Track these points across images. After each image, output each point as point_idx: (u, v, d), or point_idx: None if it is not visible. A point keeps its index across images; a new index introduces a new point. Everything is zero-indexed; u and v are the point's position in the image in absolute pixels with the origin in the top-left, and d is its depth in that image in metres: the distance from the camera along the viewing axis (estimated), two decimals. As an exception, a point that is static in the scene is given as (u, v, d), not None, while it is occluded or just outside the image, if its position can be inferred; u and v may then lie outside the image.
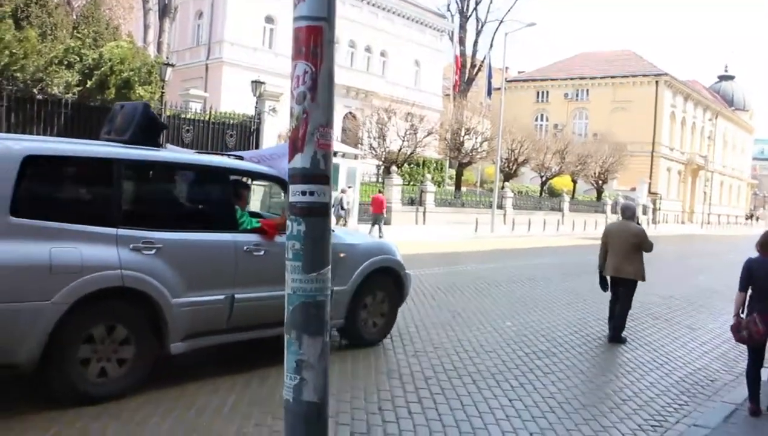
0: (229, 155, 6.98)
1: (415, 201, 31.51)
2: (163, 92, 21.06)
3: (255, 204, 8.54)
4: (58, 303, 4.65)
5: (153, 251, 5.19)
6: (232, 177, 6.36)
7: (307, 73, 2.52)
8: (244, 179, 6.69)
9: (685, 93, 68.59)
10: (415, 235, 24.59)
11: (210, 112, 22.76)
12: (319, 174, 2.58)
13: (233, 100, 29.81)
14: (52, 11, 21.76)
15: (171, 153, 6.17)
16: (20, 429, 4.47)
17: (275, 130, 24.34)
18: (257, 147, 22.11)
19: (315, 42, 2.51)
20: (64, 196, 5.29)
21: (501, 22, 50.36)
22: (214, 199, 6.19)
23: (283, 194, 6.78)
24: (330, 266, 2.66)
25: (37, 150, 4.90)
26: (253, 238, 5.96)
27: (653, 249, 8.38)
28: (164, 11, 34.14)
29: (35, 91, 17.39)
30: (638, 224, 8.87)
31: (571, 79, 68.08)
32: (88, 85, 18.17)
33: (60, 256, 4.69)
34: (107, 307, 5.03)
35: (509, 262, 18.30)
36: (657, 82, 63.94)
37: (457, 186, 38.62)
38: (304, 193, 2.56)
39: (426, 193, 31.90)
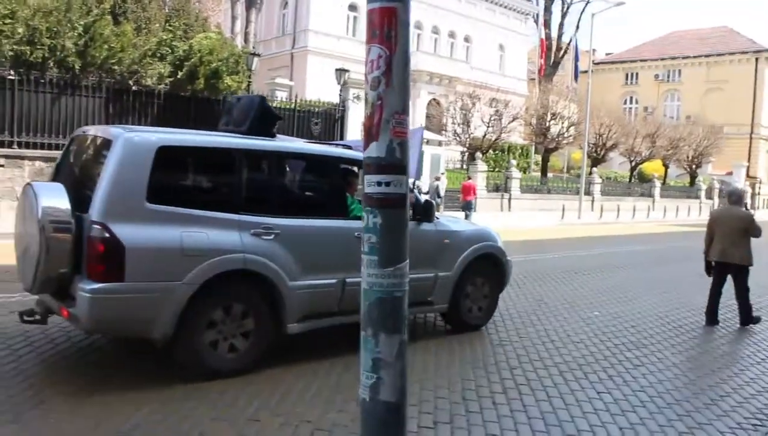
0: (336, 144, 7.26)
1: (500, 188, 31.05)
2: (249, 81, 21.50)
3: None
4: (189, 283, 5.01)
5: (272, 236, 5.47)
6: (342, 165, 6.56)
7: (381, 57, 2.43)
8: (353, 167, 6.82)
9: (790, 69, 64.54)
10: (501, 222, 24.23)
11: (295, 100, 23.09)
12: (396, 163, 2.50)
13: (318, 88, 30.13)
14: (146, 6, 22.55)
15: (286, 143, 6.42)
16: (117, 405, 4.68)
17: (359, 118, 24.44)
18: (342, 135, 22.30)
19: (389, 24, 2.41)
20: (192, 184, 5.73)
21: (587, 2, 48.74)
22: (327, 186, 6.46)
23: None
24: (407, 261, 2.58)
25: (169, 141, 5.27)
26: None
27: (761, 235, 8.14)
28: (250, 2, 34.85)
29: (131, 82, 18.09)
30: (746, 208, 8.67)
31: (662, 59, 65.28)
32: (179, 76, 18.74)
33: (190, 240, 5.06)
34: (231, 288, 5.33)
35: (596, 249, 17.80)
36: (756, 59, 60.43)
37: (543, 172, 37.83)
38: (380, 183, 2.49)
39: (511, 179, 31.38)
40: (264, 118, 6.03)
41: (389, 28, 2.43)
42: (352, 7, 42.15)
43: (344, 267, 5.85)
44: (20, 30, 15.98)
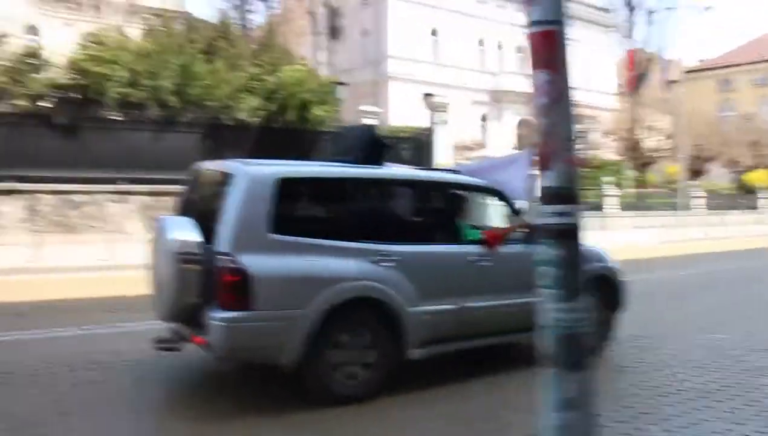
0: (445, 170, 7.40)
1: (595, 206, 30.08)
2: (338, 111, 21.79)
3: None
4: (313, 311, 5.17)
5: (390, 263, 5.55)
6: (452, 190, 6.59)
7: (548, 82, 2.32)
8: (463, 192, 6.86)
9: None
10: (599, 241, 23.47)
11: (383, 127, 23.23)
12: (570, 193, 2.37)
13: (401, 114, 30.31)
14: (235, 43, 23.35)
15: (400, 170, 6.64)
16: (239, 431, 4.85)
17: (446, 141, 24.39)
18: (430, 159, 22.23)
19: (552, 48, 2.32)
20: (311, 213, 5.91)
21: (673, 10, 47.08)
22: (440, 212, 6.49)
23: (496, 205, 7.08)
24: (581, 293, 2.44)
25: (287, 173, 5.49)
26: (477, 249, 6.17)
27: None
28: (333, 32, 35.57)
29: (224, 117, 18.67)
30: None
31: (760, 62, 62.17)
32: (269, 109, 19.21)
33: (312, 268, 5.21)
34: (353, 315, 5.42)
35: (705, 266, 16.95)
36: None
37: (639, 188, 36.53)
38: (556, 214, 2.36)
39: (606, 197, 30.39)
40: (374, 146, 6.16)
41: (552, 51, 2.33)
42: (434, 32, 42.33)
43: (461, 292, 5.96)
44: (123, 74, 16.84)
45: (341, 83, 23.82)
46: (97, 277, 11.75)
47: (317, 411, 5.20)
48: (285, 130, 19.23)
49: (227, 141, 17.69)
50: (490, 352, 6.79)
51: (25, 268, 12.50)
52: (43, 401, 5.47)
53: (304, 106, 19.54)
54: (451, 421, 5.16)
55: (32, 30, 30.99)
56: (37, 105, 16.43)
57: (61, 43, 18.80)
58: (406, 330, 5.60)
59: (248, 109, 18.90)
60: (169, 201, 15.70)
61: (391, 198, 6.39)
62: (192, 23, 26.34)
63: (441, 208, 6.49)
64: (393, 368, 5.67)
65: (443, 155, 23.34)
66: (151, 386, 5.94)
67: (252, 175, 5.29)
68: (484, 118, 45.04)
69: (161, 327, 5.80)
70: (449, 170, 7.38)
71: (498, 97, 44.55)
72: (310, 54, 34.86)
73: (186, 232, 5.15)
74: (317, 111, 19.76)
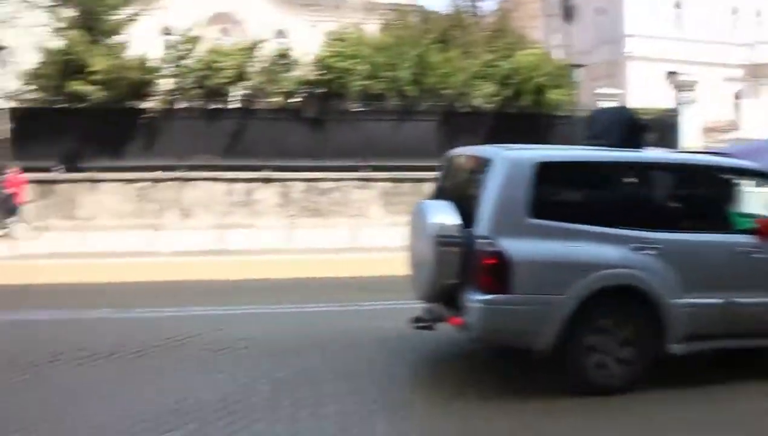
0: (711, 153, 6.92)
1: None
2: (574, 94, 21.01)
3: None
4: (571, 297, 5.04)
5: (652, 251, 5.24)
6: (719, 175, 6.18)
7: None
8: (731, 177, 6.37)
9: None
10: None
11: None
12: None
13: (641, 95, 28.39)
14: (468, 31, 23.47)
15: (661, 154, 6.31)
16: (476, 412, 4.93)
17: (694, 122, 22.51)
18: (676, 142, 20.63)
19: None
20: (570, 198, 5.76)
21: None
22: (704, 198, 6.09)
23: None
24: None
25: (546, 157, 5.50)
26: (748, 239, 5.60)
27: None
28: (566, 14, 34.31)
29: (459, 104, 18.86)
30: None
31: None
32: (504, 95, 19.03)
33: (572, 254, 5.11)
34: (611, 303, 5.23)
35: None
36: None
37: None
38: None
39: None
40: (631, 128, 5.90)
41: None
42: (677, 4, 39.13)
43: (730, 285, 5.42)
44: (364, 67, 17.73)
45: (577, 65, 22.97)
46: (342, 258, 12.41)
47: (557, 400, 5.10)
48: (520, 116, 18.97)
49: (463, 128, 17.85)
50: (760, 354, 6.05)
51: (279, 248, 13.59)
52: (302, 366, 5.95)
53: (540, 90, 19.15)
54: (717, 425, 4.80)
55: (281, 33, 33.80)
56: (288, 101, 17.89)
57: (307, 43, 20.24)
58: (667, 323, 5.25)
59: (483, 96, 18.95)
60: (407, 187, 16.34)
61: (654, 183, 5.99)
62: (426, 15, 26.98)
63: (708, 194, 6.08)
64: (652, 361, 5.34)
65: (691, 138, 21.57)
66: (402, 363, 6.14)
67: (511, 159, 5.29)
68: (738, 96, 40.76)
69: (411, 307, 5.96)
70: (715, 153, 6.87)
71: (756, 72, 40.00)
72: (543, 37, 34.10)
73: (445, 215, 5.25)
74: (553, 95, 19.28)
